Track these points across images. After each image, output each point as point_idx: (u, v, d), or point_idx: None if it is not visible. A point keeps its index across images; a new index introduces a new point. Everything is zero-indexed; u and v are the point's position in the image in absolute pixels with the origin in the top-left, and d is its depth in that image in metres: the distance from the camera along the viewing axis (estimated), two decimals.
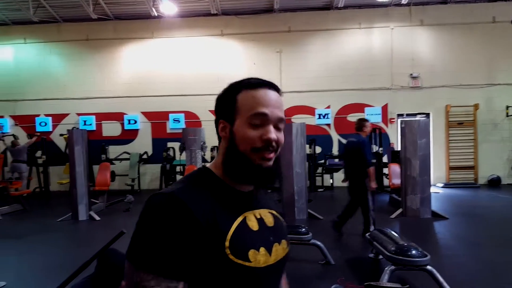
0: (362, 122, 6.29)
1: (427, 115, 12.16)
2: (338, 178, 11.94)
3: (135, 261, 0.91)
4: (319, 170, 12.10)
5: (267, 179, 1.04)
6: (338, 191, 11.50)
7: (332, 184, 11.89)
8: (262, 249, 1.02)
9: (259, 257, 1.00)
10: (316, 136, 11.94)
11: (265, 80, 1.06)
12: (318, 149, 12.15)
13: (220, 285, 0.95)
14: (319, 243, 4.99)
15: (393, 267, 4.01)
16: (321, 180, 12.17)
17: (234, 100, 1.03)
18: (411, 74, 12.28)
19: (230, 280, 0.96)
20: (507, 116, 12.10)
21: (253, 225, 1.04)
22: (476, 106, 12.12)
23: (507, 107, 12.03)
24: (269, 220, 1.10)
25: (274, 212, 1.16)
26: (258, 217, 1.07)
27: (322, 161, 11.92)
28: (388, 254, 4.07)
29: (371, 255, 5.02)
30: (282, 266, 1.11)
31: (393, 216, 7.58)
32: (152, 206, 0.95)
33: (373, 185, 6.00)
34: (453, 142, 12.37)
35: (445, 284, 3.88)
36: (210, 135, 10.70)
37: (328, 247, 5.04)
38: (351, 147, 6.22)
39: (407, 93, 12.34)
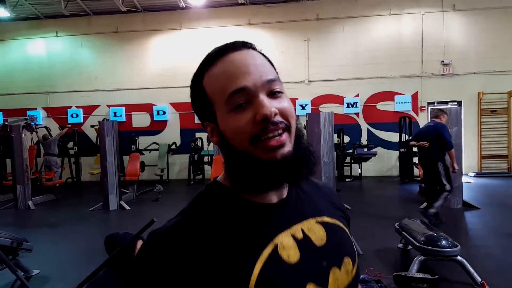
0: (439, 111, 6.55)
1: (459, 103, 11.85)
2: (367, 168, 11.86)
3: None
4: (348, 159, 11.99)
5: (291, 174, 0.72)
6: (366, 180, 11.40)
7: (360, 173, 11.76)
8: (310, 286, 0.71)
9: None
10: (345, 125, 11.83)
11: (226, 44, 0.76)
12: (347, 139, 12.04)
13: None
14: None
15: (422, 257, 3.98)
16: (350, 170, 12.06)
17: (203, 92, 0.75)
18: (442, 61, 11.96)
19: None
20: None
21: (291, 254, 0.72)
22: (510, 93, 11.72)
23: None
24: (319, 236, 0.77)
25: (326, 219, 0.82)
26: (300, 237, 0.75)
27: (351, 150, 11.80)
28: (417, 244, 4.04)
29: (400, 245, 4.97)
30: None
31: (422, 206, 7.45)
32: (142, 252, 0.74)
33: (456, 166, 6.31)
34: (486, 131, 12.02)
35: (475, 275, 3.82)
36: None
37: (356, 237, 4.99)
38: (429, 131, 6.37)
39: (438, 81, 12.05)
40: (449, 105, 11.54)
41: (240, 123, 0.70)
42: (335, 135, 8.95)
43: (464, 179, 8.39)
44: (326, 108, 11.59)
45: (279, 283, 0.68)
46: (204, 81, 0.75)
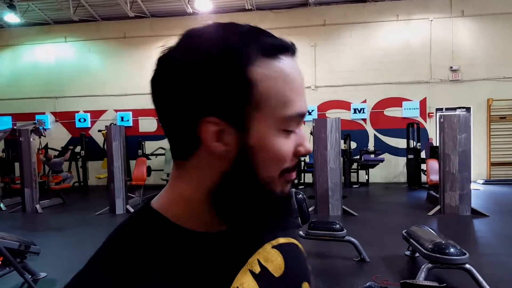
0: None
1: (468, 109, 11.76)
2: (374, 174, 11.79)
3: None
4: (354, 165, 11.92)
5: (288, 212, 0.61)
6: (373, 187, 11.33)
7: (367, 180, 11.69)
8: None
9: None
10: (351, 131, 11.78)
11: (283, 39, 0.60)
12: (354, 145, 11.98)
13: None
14: (353, 239, 4.93)
15: (430, 265, 3.93)
16: (356, 176, 11.99)
17: (247, 81, 0.52)
18: (451, 67, 11.89)
19: None
20: None
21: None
22: None
23: None
24: (276, 265, 0.64)
25: (281, 240, 0.69)
26: (258, 270, 0.61)
27: (357, 156, 11.74)
28: (425, 251, 3.99)
29: (408, 252, 4.91)
30: None
31: (430, 213, 7.39)
32: None
33: None
34: (495, 137, 11.92)
35: (484, 283, 3.76)
36: None
37: (363, 244, 4.96)
38: None
39: (447, 87, 11.97)
40: (457, 112, 11.45)
41: (286, 150, 0.56)
42: (342, 141, 8.92)
43: (473, 186, 8.30)
44: (333, 114, 11.54)
45: None
46: (258, 70, 0.53)
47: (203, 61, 0.53)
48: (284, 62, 0.56)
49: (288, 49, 0.58)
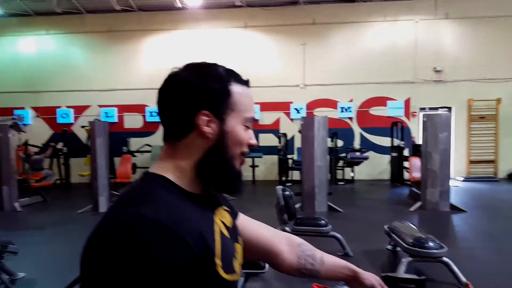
0: None
1: (449, 109, 11.98)
2: (359, 171, 11.94)
3: None
4: (340, 163, 12.03)
5: (242, 185, 0.95)
6: (358, 184, 11.47)
7: (353, 177, 11.84)
8: (236, 254, 0.95)
9: (236, 264, 0.91)
10: (338, 130, 11.87)
11: (245, 79, 0.96)
12: (340, 143, 12.08)
13: None
14: (338, 235, 5.03)
15: (410, 258, 4.04)
16: (342, 174, 12.12)
17: (228, 92, 0.89)
18: (435, 68, 12.10)
19: None
20: None
21: (224, 230, 0.92)
22: (498, 100, 11.93)
23: None
24: (228, 220, 0.99)
25: (227, 208, 1.04)
26: (222, 220, 0.95)
27: (344, 154, 11.85)
28: (406, 246, 4.10)
29: (389, 247, 5.01)
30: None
31: (412, 209, 7.53)
32: (132, 241, 0.71)
33: None
34: (475, 136, 12.21)
35: (461, 275, 3.91)
36: None
37: (347, 239, 5.05)
38: None
39: (430, 87, 12.17)
40: (439, 111, 11.65)
41: (245, 138, 0.92)
42: (329, 139, 9.02)
43: (452, 183, 8.51)
44: (320, 112, 11.61)
45: (228, 251, 0.88)
46: (234, 88, 0.90)
47: (205, 78, 0.88)
48: (245, 88, 0.93)
49: (247, 82, 0.95)
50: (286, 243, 1.19)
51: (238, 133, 0.90)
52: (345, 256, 4.85)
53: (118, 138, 11.78)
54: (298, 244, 1.21)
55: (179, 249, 0.73)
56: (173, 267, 0.71)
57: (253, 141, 0.94)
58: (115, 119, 13.00)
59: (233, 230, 0.99)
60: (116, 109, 13.07)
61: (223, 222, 0.94)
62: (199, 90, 0.86)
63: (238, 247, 0.99)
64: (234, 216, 1.06)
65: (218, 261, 0.81)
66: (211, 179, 0.89)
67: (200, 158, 0.88)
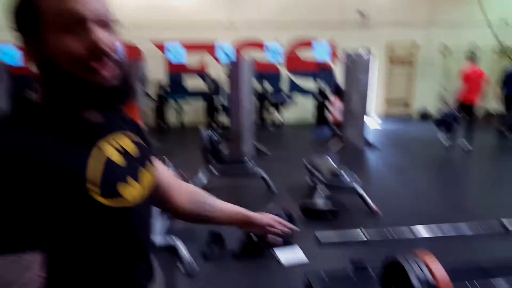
0: None
1: (370, 51, 12.42)
2: (287, 116, 12.24)
3: None
4: (271, 110, 12.20)
5: (112, 100, 0.82)
6: (286, 128, 11.82)
7: (281, 122, 12.11)
8: (130, 180, 0.88)
9: (129, 190, 0.86)
10: (266, 73, 12.03)
11: None
12: (270, 88, 12.26)
13: (91, 235, 0.80)
14: (262, 173, 5.36)
15: (325, 188, 4.50)
16: (271, 118, 12.36)
17: (34, 8, 0.74)
18: (359, 10, 12.31)
19: (102, 226, 0.81)
20: (444, 56, 12.70)
21: (115, 156, 0.86)
22: (416, 45, 12.67)
23: (445, 47, 12.60)
24: (130, 146, 0.93)
25: (133, 137, 0.97)
26: (118, 147, 0.89)
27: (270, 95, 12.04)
28: (321, 178, 4.55)
29: (309, 180, 5.41)
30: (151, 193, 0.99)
31: (333, 148, 8.05)
32: None
33: None
34: (393, 78, 12.99)
35: (372, 204, 4.43)
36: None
37: (272, 179, 5.42)
38: None
39: (354, 30, 12.46)
40: (361, 53, 12.07)
41: (69, 43, 0.74)
42: (256, 82, 9.02)
43: (370, 123, 9.21)
44: (249, 55, 11.60)
45: (111, 174, 0.82)
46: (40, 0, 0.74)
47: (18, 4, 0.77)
48: None
49: None
50: (186, 191, 1.21)
51: (58, 42, 0.74)
52: (270, 193, 5.24)
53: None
54: (197, 192, 1.25)
55: (15, 171, 0.68)
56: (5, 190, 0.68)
57: (90, 38, 0.75)
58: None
59: (139, 157, 0.94)
60: None
61: (117, 148, 0.87)
62: (18, 19, 0.77)
63: (145, 174, 0.95)
64: (142, 146, 0.98)
65: (90, 186, 0.76)
66: (70, 105, 0.80)
67: (48, 90, 0.79)
